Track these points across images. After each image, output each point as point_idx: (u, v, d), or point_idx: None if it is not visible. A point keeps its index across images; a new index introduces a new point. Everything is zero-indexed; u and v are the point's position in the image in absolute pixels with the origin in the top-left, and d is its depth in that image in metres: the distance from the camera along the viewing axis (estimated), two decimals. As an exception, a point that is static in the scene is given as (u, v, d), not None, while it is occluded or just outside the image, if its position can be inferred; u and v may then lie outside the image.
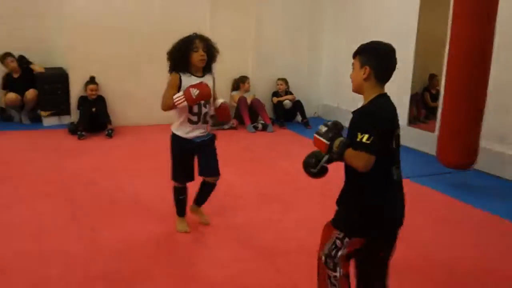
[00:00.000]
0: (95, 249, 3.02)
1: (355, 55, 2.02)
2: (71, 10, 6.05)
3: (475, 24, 4.03)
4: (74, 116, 6.18)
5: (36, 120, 6.39)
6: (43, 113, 6.29)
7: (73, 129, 5.84)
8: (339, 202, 2.08)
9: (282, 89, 7.25)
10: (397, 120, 1.97)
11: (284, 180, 4.58)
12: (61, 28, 6.33)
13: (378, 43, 2.01)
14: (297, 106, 7.19)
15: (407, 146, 5.82)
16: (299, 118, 7.30)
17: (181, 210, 3.31)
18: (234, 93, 7.06)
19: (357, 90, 2.02)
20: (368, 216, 1.97)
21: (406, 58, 5.76)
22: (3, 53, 6.21)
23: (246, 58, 7.27)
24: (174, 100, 2.88)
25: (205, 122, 3.12)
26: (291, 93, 7.27)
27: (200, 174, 3.20)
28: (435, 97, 7.13)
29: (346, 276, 2.05)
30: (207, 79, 3.07)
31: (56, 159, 4.85)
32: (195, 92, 2.86)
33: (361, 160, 1.84)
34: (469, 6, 4.05)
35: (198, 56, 2.97)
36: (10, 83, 6.33)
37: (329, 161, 2.06)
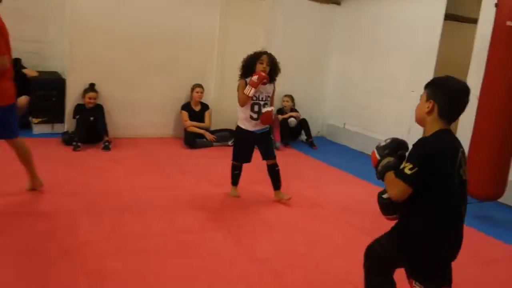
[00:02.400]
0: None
1: (426, 86, 1.96)
2: (74, 13, 5.64)
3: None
4: (69, 125, 5.75)
5: (25, 127, 5.92)
6: (34, 119, 5.84)
7: (68, 139, 5.40)
8: (408, 251, 1.92)
9: (288, 106, 6.96)
10: (460, 158, 1.84)
11: (302, 205, 4.25)
12: (62, 31, 5.95)
13: (451, 80, 1.94)
14: (303, 124, 6.91)
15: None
16: (303, 137, 7.02)
17: (234, 181, 4.22)
18: (241, 107, 6.78)
19: (419, 121, 1.97)
20: (446, 259, 1.88)
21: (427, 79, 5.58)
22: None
23: (253, 72, 6.97)
24: (245, 92, 3.77)
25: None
26: (296, 111, 7.00)
27: (264, 158, 4.07)
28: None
29: None
30: (269, 87, 4.00)
31: (48, 172, 4.16)
32: (255, 78, 3.76)
33: (395, 188, 1.81)
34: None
35: (260, 67, 3.84)
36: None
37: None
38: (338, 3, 7.32)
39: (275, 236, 3.51)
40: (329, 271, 3.05)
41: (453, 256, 1.89)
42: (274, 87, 4.07)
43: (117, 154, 5.34)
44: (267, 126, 4.03)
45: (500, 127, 3.98)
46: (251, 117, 3.93)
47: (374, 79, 6.65)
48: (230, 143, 6.22)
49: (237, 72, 6.65)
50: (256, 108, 3.92)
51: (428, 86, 1.95)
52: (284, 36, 7.02)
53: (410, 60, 6.01)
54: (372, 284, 2.10)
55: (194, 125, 6.16)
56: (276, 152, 4.19)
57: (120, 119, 6.01)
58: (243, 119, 3.99)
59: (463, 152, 1.88)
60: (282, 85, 7.01)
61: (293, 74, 7.14)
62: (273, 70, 3.92)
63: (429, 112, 1.88)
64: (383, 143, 2.00)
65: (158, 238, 3.25)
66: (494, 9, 4.14)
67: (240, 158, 4.14)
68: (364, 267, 2.14)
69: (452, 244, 1.87)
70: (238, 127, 4.09)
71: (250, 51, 6.85)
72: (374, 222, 3.85)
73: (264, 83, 3.86)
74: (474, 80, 5.01)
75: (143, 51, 6.05)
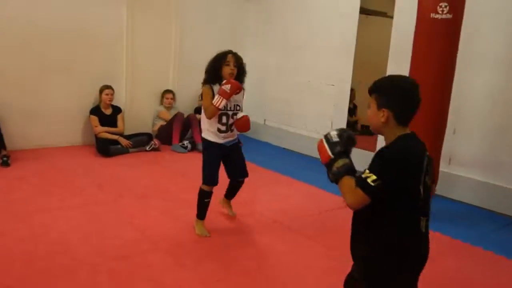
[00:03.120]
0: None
1: (371, 92, 1.78)
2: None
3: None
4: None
5: None
6: None
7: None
8: (363, 263, 1.79)
9: (206, 105, 6.62)
10: (426, 165, 1.69)
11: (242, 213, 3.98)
12: None
13: (397, 80, 1.78)
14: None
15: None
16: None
17: (203, 213, 3.43)
18: (161, 108, 6.31)
19: (376, 131, 1.81)
20: (405, 271, 1.72)
21: (346, 71, 5.66)
22: None
23: (167, 69, 6.52)
24: (214, 103, 3.17)
25: (231, 130, 3.38)
26: (215, 109, 6.69)
27: (232, 176, 3.56)
28: (352, 111, 7.17)
29: None
30: (240, 94, 3.38)
31: None
32: (227, 87, 3.16)
33: (354, 197, 1.66)
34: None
35: (228, 70, 3.26)
36: None
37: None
38: (250, -4, 7.14)
39: (223, 254, 3.20)
40: None
41: (420, 268, 1.76)
42: (244, 89, 3.42)
43: (19, 169, 4.63)
44: (235, 135, 3.47)
45: (428, 118, 4.02)
46: (219, 130, 3.32)
47: (292, 74, 6.56)
48: (148, 148, 5.78)
49: (150, 70, 6.30)
50: (224, 119, 3.31)
51: (375, 92, 1.76)
52: (198, 32, 6.67)
53: (327, 54, 6.00)
54: None
55: (106, 131, 5.59)
56: (198, 154, 3.73)
57: (17, 129, 5.25)
58: (209, 131, 3.36)
59: (429, 157, 1.73)
60: (198, 84, 6.70)
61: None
62: (241, 71, 3.37)
63: (385, 122, 1.73)
64: (334, 138, 1.79)
65: (87, 269, 2.78)
66: (409, 3, 4.17)
67: (213, 179, 3.36)
68: None
69: (417, 255, 1.73)
70: (205, 140, 3.40)
71: (162, 47, 6.51)
72: (315, 225, 3.74)
73: (237, 93, 3.27)
74: (394, 71, 5.14)
75: (41, 51, 5.33)
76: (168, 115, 6.19)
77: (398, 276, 1.71)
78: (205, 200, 3.39)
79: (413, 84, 1.77)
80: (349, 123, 8.67)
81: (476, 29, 4.42)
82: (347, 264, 1.92)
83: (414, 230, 1.70)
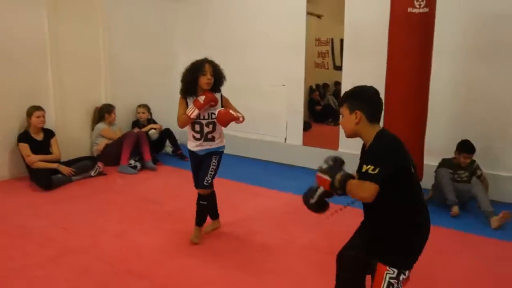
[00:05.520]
0: None
1: (342, 103, 2.08)
2: None
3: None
4: None
5: None
6: None
7: None
8: (377, 238, 2.04)
9: (144, 117, 6.02)
10: (407, 150, 2.00)
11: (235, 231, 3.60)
12: None
13: (362, 88, 2.10)
14: (166, 135, 6.09)
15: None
16: (168, 148, 6.20)
17: (202, 219, 3.43)
18: (103, 126, 5.53)
19: (352, 135, 2.08)
20: (418, 244, 2.01)
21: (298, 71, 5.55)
22: None
23: (99, 81, 5.78)
24: (187, 113, 3.15)
25: (207, 139, 3.28)
26: (154, 122, 6.12)
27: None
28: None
29: None
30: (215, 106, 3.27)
31: None
32: (202, 98, 3.14)
33: (365, 190, 1.86)
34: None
35: (205, 79, 3.16)
36: None
37: (328, 195, 2.13)
38: (176, -4, 6.63)
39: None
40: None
41: (426, 239, 2.03)
42: (222, 95, 3.35)
43: None
44: (213, 146, 3.31)
45: (409, 111, 4.02)
46: (194, 137, 3.31)
47: (236, 76, 6.21)
48: (93, 173, 5.06)
49: (79, 83, 5.50)
50: (197, 127, 3.27)
51: (345, 101, 2.07)
52: (126, 37, 6.03)
53: (275, 53, 5.79)
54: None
55: (42, 159, 4.74)
56: (155, 173, 3.71)
57: None
58: (189, 139, 3.38)
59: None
60: (134, 95, 6.09)
61: (143, 81, 6.31)
62: (218, 79, 3.27)
63: (358, 122, 2.02)
64: (325, 166, 2.06)
65: None
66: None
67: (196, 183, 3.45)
68: (340, 279, 2.18)
69: (427, 229, 2.02)
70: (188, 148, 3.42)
71: (91, 56, 5.72)
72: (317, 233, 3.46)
73: (212, 105, 3.21)
74: (351, 64, 5.16)
75: None
76: (112, 133, 5.49)
77: (414, 249, 2.00)
78: (201, 203, 3.38)
79: (374, 89, 2.09)
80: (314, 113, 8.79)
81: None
82: None
83: (421, 206, 2.01)
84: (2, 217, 3.85)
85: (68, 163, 4.93)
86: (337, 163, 2.06)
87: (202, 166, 3.32)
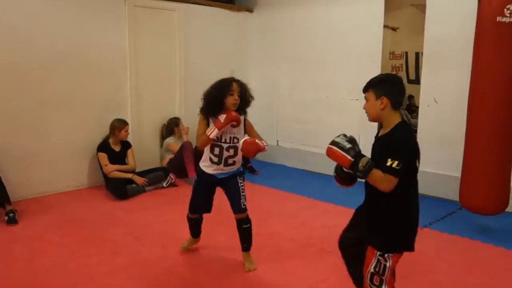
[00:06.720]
0: None
1: (368, 88, 2.20)
2: None
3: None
4: None
5: None
6: None
7: None
8: (372, 224, 2.23)
9: (215, 130, 6.07)
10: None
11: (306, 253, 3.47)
12: None
13: (389, 75, 2.40)
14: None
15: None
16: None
17: (192, 232, 3.46)
18: (170, 140, 5.64)
19: (375, 119, 2.21)
20: (410, 230, 2.19)
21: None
22: None
23: (174, 95, 5.94)
24: (207, 133, 2.96)
25: (227, 165, 3.11)
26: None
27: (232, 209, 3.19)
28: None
29: None
30: (238, 128, 3.11)
31: None
32: (223, 117, 2.93)
33: (388, 183, 2.04)
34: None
35: (232, 100, 3.00)
36: None
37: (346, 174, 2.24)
38: (250, 11, 6.68)
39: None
40: None
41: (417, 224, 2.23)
42: (246, 118, 3.16)
43: (30, 227, 3.91)
44: (234, 169, 3.15)
45: (498, 123, 3.69)
46: (211, 160, 3.11)
47: (307, 89, 6.14)
48: (165, 184, 5.17)
49: (155, 97, 5.68)
50: (216, 151, 3.07)
51: (372, 86, 2.18)
52: (200, 52, 6.14)
53: (349, 67, 5.64)
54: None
55: (118, 169, 4.92)
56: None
57: (16, 176, 4.51)
58: (203, 159, 3.19)
59: None
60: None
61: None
62: (244, 100, 3.07)
63: (384, 108, 2.14)
64: (348, 145, 2.09)
65: None
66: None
67: (196, 208, 3.29)
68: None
69: (418, 215, 2.21)
70: (199, 168, 3.23)
71: (167, 71, 5.90)
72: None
73: (234, 126, 3.00)
74: (429, 76, 4.92)
75: (36, 83, 4.64)
76: (177, 147, 5.59)
77: (410, 237, 2.18)
78: (192, 222, 3.40)
79: (400, 78, 2.30)
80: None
81: None
82: None
83: (416, 198, 2.19)
84: (80, 224, 4.02)
85: (141, 174, 5.08)
86: (355, 144, 2.11)
87: (228, 190, 3.16)
